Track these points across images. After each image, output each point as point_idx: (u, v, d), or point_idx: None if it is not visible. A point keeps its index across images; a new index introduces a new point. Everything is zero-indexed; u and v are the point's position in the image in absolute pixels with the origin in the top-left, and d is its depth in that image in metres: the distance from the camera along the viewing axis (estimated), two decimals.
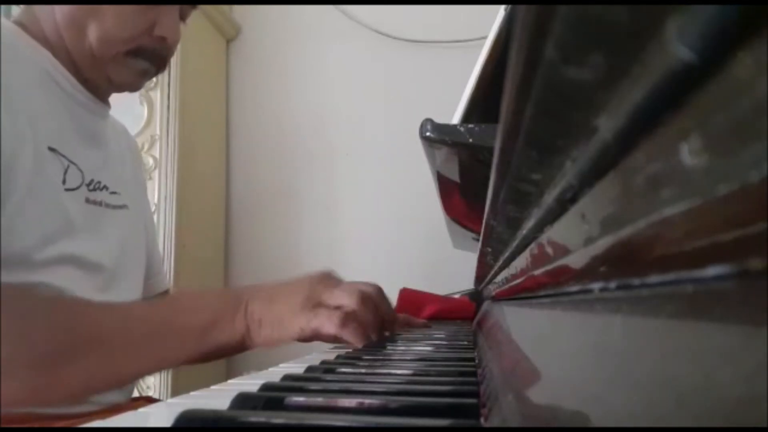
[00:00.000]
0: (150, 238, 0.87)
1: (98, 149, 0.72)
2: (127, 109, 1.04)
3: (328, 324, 0.56)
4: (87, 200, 0.68)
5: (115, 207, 0.73)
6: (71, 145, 0.66)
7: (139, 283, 0.79)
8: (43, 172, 0.61)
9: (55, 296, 0.55)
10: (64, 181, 0.64)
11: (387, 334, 0.66)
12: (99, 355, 0.52)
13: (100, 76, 0.69)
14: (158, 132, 1.31)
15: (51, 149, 0.62)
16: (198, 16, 1.44)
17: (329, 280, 0.62)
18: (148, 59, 0.69)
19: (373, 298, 0.61)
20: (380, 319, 0.63)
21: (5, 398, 0.48)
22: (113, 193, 0.73)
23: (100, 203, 0.70)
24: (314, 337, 0.59)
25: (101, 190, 0.71)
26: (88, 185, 0.68)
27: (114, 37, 0.65)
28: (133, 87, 0.73)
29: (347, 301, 0.59)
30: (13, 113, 0.58)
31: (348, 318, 0.57)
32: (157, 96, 1.32)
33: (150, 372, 0.59)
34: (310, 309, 0.57)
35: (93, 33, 0.65)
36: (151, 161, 1.30)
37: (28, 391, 0.49)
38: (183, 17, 0.74)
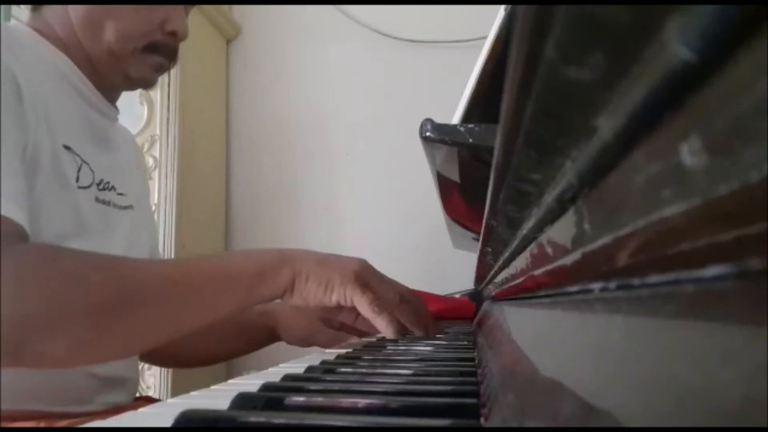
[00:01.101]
0: (151, 241, 0.88)
1: (108, 151, 0.74)
2: (127, 109, 1.03)
3: (369, 306, 0.59)
4: (97, 199, 0.69)
5: (122, 207, 0.74)
6: (84, 145, 0.68)
7: None
8: (60, 169, 0.62)
9: (102, 255, 0.56)
10: (77, 179, 0.65)
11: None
12: (151, 307, 0.52)
13: (118, 73, 0.71)
14: (158, 132, 1.31)
15: (66, 147, 0.64)
16: (198, 16, 1.44)
17: (375, 270, 0.64)
18: (162, 54, 0.73)
19: (412, 301, 0.65)
20: (418, 320, 0.65)
21: (50, 356, 0.47)
22: (120, 194, 0.74)
23: (108, 203, 0.71)
24: (340, 318, 0.63)
25: (110, 190, 0.72)
26: (98, 185, 0.70)
27: (132, 33, 0.69)
28: (149, 82, 0.76)
29: (390, 294, 0.61)
30: (33, 109, 0.59)
31: (386, 309, 0.59)
32: (157, 96, 1.32)
33: (201, 323, 0.60)
34: (361, 285, 0.59)
35: (110, 31, 0.68)
36: (151, 161, 1.30)
37: (76, 345, 0.48)
38: (186, 13, 0.77)
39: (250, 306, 0.60)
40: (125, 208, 0.75)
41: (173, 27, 0.72)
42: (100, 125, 0.73)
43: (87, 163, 0.67)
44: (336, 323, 0.79)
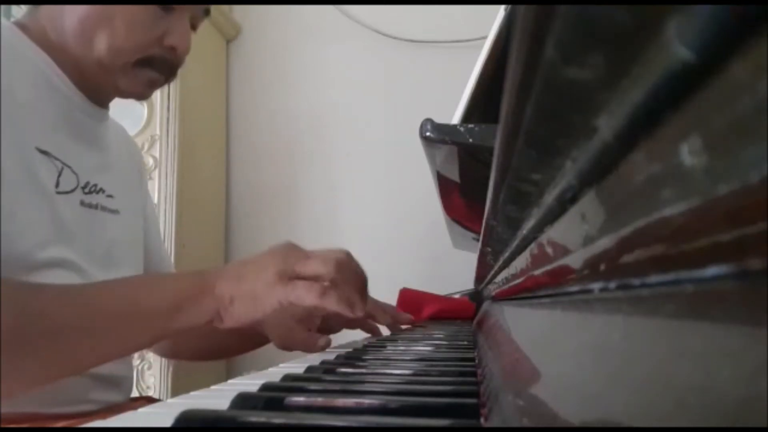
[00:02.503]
0: (153, 242, 0.86)
1: (96, 152, 0.71)
2: (127, 109, 1.04)
3: (308, 295, 0.54)
4: (82, 203, 0.67)
5: (111, 211, 0.72)
6: (66, 148, 0.65)
7: None
8: (34, 176, 0.60)
9: (14, 284, 0.50)
10: (57, 184, 0.62)
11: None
12: (55, 342, 0.49)
13: (107, 84, 0.68)
14: (158, 132, 1.31)
15: (42, 151, 0.61)
16: None
17: (298, 251, 0.59)
18: (157, 69, 0.68)
19: (348, 263, 0.59)
20: (362, 282, 0.61)
21: None
22: (109, 196, 0.72)
23: (96, 206, 0.69)
24: (290, 311, 0.57)
25: (97, 192, 0.70)
26: (83, 188, 0.67)
27: (123, 47, 0.65)
28: (140, 96, 0.71)
29: (323, 269, 0.56)
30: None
31: (328, 287, 0.55)
32: (157, 96, 1.32)
33: (113, 357, 0.56)
34: (287, 282, 0.55)
35: (102, 42, 0.64)
36: (151, 161, 1.30)
37: None
38: (194, 26, 0.73)
39: (168, 338, 0.56)
40: (113, 211, 0.73)
41: (173, 42, 0.67)
42: (86, 125, 0.70)
43: (69, 167, 0.64)
44: (311, 324, 0.75)
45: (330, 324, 0.80)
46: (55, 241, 0.61)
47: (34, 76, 0.64)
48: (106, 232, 0.71)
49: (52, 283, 0.55)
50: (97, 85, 0.68)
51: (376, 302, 0.82)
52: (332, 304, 0.54)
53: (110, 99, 0.74)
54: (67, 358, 0.51)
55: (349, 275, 0.58)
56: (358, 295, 0.58)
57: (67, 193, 0.64)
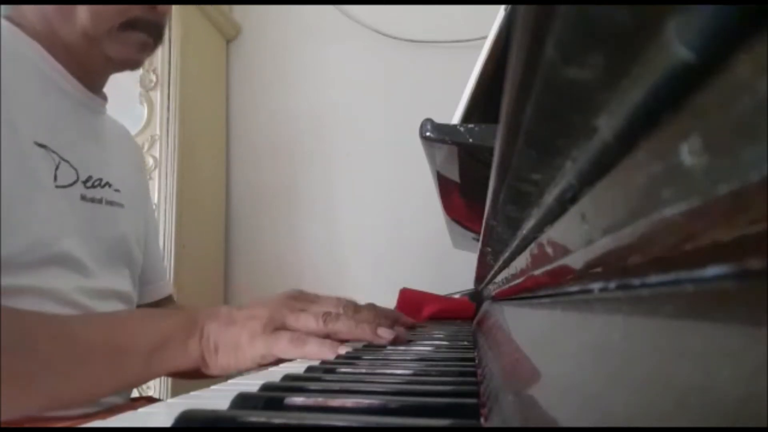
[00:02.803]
0: (151, 243, 0.85)
1: (97, 145, 0.70)
2: (127, 109, 1.04)
3: (290, 348, 0.52)
4: (83, 197, 0.66)
5: (118, 205, 0.71)
6: (64, 141, 0.64)
7: (132, 287, 0.76)
8: (32, 171, 0.59)
9: None
10: (55, 178, 0.61)
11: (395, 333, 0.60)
12: (23, 377, 0.46)
13: (98, 56, 0.66)
14: (158, 132, 1.31)
15: (40, 145, 0.60)
16: (198, 16, 1.44)
17: (296, 302, 0.57)
18: (144, 30, 0.67)
19: (345, 318, 0.56)
20: (348, 335, 0.57)
21: None
22: (117, 190, 0.71)
23: (100, 200, 0.68)
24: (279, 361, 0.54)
25: (102, 186, 0.69)
26: (84, 182, 0.66)
27: (105, 11, 0.64)
28: (134, 63, 0.70)
29: (314, 325, 0.54)
30: None
31: (308, 338, 0.52)
32: (157, 96, 1.32)
33: (88, 398, 0.53)
34: (270, 332, 0.53)
35: (83, 11, 0.63)
36: (151, 161, 1.30)
37: None
38: None
39: (155, 376, 0.53)
40: (120, 205, 0.72)
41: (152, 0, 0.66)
42: (85, 118, 0.69)
43: (67, 161, 0.63)
44: None
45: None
46: (53, 237, 0.60)
47: (30, 69, 0.63)
48: (112, 226, 0.70)
49: (35, 310, 0.52)
50: (90, 64, 0.67)
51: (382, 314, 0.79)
52: (314, 354, 0.51)
53: (104, 79, 0.72)
54: (35, 394, 0.47)
55: (340, 322, 0.55)
56: (364, 329, 0.55)
57: (65, 187, 0.63)
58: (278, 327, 0.54)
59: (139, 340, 0.52)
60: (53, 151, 0.62)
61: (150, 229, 0.86)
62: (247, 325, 0.54)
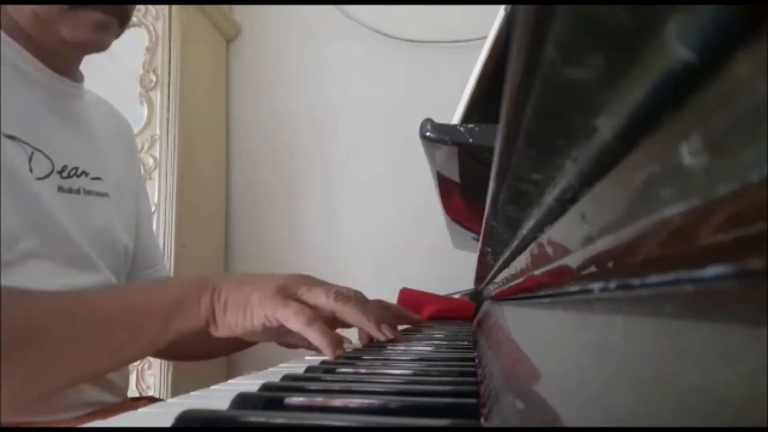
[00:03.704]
0: (144, 227, 0.82)
1: (76, 132, 0.68)
2: (127, 109, 1.04)
3: (295, 318, 0.51)
4: (60, 188, 0.63)
5: (97, 194, 0.68)
6: (37, 131, 0.61)
7: (119, 278, 0.74)
8: (4, 163, 0.57)
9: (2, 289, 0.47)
10: (31, 170, 0.59)
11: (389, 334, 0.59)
12: (41, 352, 0.46)
13: (54, 38, 0.62)
14: (158, 132, 1.31)
15: (9, 137, 0.58)
16: (198, 16, 1.44)
17: (313, 279, 0.57)
18: (97, 9, 0.62)
19: (356, 302, 0.56)
20: (353, 320, 0.57)
21: None
22: (95, 178, 0.68)
23: (77, 191, 0.65)
24: (280, 332, 0.55)
25: (79, 176, 0.66)
26: (60, 172, 0.64)
27: None
28: (94, 44, 0.65)
29: (324, 299, 0.53)
30: None
31: (318, 319, 0.52)
32: (157, 96, 1.32)
33: (109, 368, 0.54)
34: (282, 298, 0.53)
35: None
36: (151, 161, 1.30)
37: None
38: None
39: (166, 343, 0.53)
40: (101, 195, 0.69)
41: None
42: (58, 104, 0.66)
43: (40, 151, 0.61)
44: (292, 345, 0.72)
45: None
46: (31, 229, 0.58)
47: None
48: (92, 218, 0.67)
49: (43, 292, 0.53)
50: (49, 48, 0.64)
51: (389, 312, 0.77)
52: (314, 336, 0.51)
53: (73, 62, 0.69)
54: (54, 369, 0.48)
55: (349, 307, 0.54)
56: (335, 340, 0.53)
57: (41, 179, 0.61)
58: (290, 296, 0.54)
59: (156, 302, 0.53)
60: (24, 142, 0.60)
61: (142, 212, 0.83)
62: (260, 287, 0.54)
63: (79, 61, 0.70)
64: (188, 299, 0.53)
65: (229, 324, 0.54)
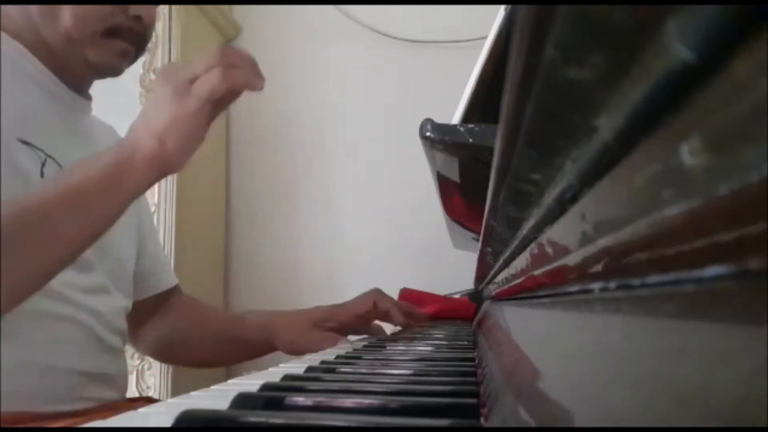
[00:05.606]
0: (149, 236, 0.85)
1: (83, 144, 0.70)
2: (127, 109, 1.03)
3: (217, 83, 0.55)
4: None
5: None
6: (49, 139, 0.64)
7: (125, 283, 0.76)
8: (17, 167, 0.59)
9: None
10: (42, 175, 0.62)
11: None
12: (21, 269, 0.49)
13: (78, 59, 0.67)
14: None
15: (23, 142, 0.61)
16: (198, 16, 1.44)
17: (175, 67, 0.61)
18: (126, 39, 0.68)
19: (229, 48, 0.60)
20: (249, 60, 0.60)
21: None
22: None
23: None
24: (218, 104, 0.59)
25: None
26: None
27: (88, 15, 0.64)
28: (113, 70, 0.70)
29: (210, 60, 0.56)
30: None
31: (225, 68, 0.55)
32: None
33: (79, 246, 0.55)
34: (189, 90, 0.55)
35: (67, 13, 0.64)
36: None
37: None
38: None
39: (125, 207, 0.55)
40: None
41: (137, 11, 0.67)
42: (69, 118, 0.69)
43: (52, 158, 0.63)
44: (329, 326, 0.79)
45: (336, 330, 0.81)
46: None
47: (10, 67, 0.63)
48: None
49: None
50: (70, 66, 0.68)
51: (393, 302, 0.86)
52: (242, 80, 0.56)
53: (87, 82, 0.73)
54: (25, 266, 0.50)
55: (234, 55, 0.58)
56: (251, 70, 0.58)
57: None
58: (186, 85, 0.56)
59: (89, 176, 0.53)
60: (38, 148, 0.62)
61: (144, 219, 0.85)
62: (163, 106, 0.56)
63: (92, 81, 0.74)
64: (122, 157, 0.54)
65: (180, 149, 0.57)
